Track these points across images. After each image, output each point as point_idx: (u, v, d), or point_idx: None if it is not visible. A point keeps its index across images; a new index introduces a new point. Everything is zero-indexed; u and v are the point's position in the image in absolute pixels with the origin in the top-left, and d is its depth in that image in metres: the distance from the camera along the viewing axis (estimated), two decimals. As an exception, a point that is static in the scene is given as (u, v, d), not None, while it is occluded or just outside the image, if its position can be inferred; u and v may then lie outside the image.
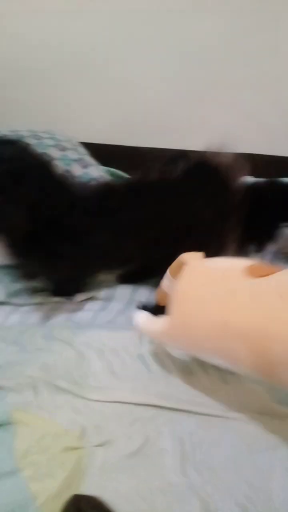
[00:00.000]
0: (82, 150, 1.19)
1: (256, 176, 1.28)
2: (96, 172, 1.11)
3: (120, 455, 0.61)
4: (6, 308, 0.87)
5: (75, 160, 1.10)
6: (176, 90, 1.36)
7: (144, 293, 0.91)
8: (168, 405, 0.66)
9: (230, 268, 0.57)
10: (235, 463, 0.59)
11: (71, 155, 1.10)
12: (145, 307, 0.72)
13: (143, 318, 0.68)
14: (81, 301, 0.89)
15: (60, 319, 0.85)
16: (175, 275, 0.61)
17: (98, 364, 0.73)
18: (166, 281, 0.64)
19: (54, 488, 0.56)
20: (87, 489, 0.57)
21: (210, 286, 0.57)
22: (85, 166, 1.10)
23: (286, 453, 0.60)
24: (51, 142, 1.10)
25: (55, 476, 0.58)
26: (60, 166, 1.05)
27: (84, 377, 0.71)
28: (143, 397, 0.68)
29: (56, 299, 0.88)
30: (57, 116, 1.40)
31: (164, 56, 1.31)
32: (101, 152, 1.31)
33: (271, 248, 1.01)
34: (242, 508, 0.54)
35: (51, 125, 1.34)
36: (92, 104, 1.41)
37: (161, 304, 0.64)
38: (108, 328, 0.82)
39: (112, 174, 1.34)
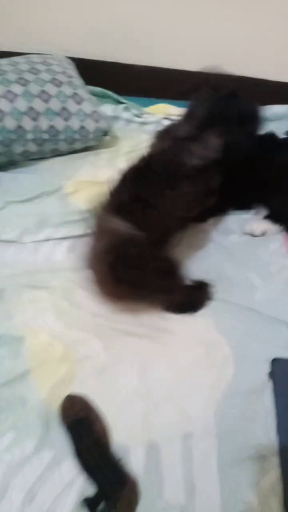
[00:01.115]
0: (77, 81, 1.22)
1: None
2: (89, 108, 1.17)
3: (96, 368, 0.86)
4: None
5: (70, 96, 1.15)
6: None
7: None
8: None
9: None
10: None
11: (66, 90, 1.16)
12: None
13: None
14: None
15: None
16: None
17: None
18: None
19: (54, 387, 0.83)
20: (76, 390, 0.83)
21: None
22: (79, 102, 1.16)
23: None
24: (48, 77, 1.15)
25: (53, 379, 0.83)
26: (57, 103, 1.13)
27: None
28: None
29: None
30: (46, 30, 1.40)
31: None
32: (89, 68, 1.34)
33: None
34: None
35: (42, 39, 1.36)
36: (83, 16, 1.39)
37: None
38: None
39: (103, 96, 1.39)
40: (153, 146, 0.97)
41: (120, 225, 0.83)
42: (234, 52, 1.36)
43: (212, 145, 0.89)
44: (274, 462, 0.75)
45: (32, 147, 1.16)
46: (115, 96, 1.40)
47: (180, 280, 0.92)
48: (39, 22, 1.39)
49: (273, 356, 0.86)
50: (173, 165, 0.89)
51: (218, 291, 0.97)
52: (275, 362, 0.85)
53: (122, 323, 0.92)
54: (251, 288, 0.99)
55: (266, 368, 0.85)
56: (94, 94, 1.38)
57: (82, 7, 1.34)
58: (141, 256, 0.82)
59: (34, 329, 0.90)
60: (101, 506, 0.71)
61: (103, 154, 1.26)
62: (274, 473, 0.74)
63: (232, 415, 0.79)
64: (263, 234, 1.10)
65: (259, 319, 0.93)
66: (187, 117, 0.94)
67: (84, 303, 0.94)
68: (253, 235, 1.10)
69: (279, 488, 0.72)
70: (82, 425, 0.78)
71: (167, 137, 0.95)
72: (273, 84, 1.43)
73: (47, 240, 1.06)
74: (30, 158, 1.20)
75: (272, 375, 0.84)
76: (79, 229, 1.06)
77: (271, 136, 1.18)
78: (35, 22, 1.39)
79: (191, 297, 0.94)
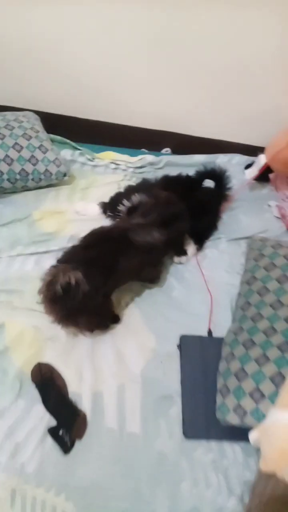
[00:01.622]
0: (42, 134, 1.59)
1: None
2: (52, 156, 1.54)
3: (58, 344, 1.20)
4: None
5: (37, 147, 1.52)
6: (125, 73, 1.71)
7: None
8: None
9: None
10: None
11: (34, 143, 1.52)
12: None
13: None
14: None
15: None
16: None
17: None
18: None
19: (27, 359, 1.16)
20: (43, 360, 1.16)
21: None
22: (44, 151, 1.53)
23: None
24: (20, 132, 1.51)
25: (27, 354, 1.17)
26: (27, 152, 1.49)
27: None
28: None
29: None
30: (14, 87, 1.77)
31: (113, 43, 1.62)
32: (49, 120, 1.70)
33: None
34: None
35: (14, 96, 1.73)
36: (52, 78, 1.76)
37: None
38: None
39: (63, 143, 1.76)
40: (116, 223, 1.31)
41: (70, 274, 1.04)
42: (175, 114, 1.76)
43: (153, 234, 1.22)
44: (178, 400, 1.11)
45: (7, 184, 1.50)
46: (73, 143, 1.77)
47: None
48: (12, 76, 1.75)
49: (181, 334, 1.24)
50: (127, 240, 1.17)
51: (145, 291, 1.34)
52: (182, 337, 1.23)
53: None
54: (170, 287, 1.37)
55: (176, 341, 1.23)
56: (56, 141, 1.74)
57: (51, 71, 1.71)
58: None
59: (11, 319, 1.23)
60: (61, 432, 1.04)
61: (63, 190, 1.61)
62: (177, 406, 1.10)
63: (152, 370, 1.16)
64: (187, 259, 1.44)
65: (173, 309, 1.31)
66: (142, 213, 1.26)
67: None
68: (181, 263, 1.44)
69: (179, 416, 1.09)
70: (47, 383, 1.12)
71: (127, 220, 1.27)
72: (199, 139, 1.83)
73: (19, 255, 1.40)
74: (4, 192, 1.55)
75: (180, 346, 1.21)
76: (44, 247, 1.42)
77: (188, 178, 1.56)
78: (8, 76, 1.74)
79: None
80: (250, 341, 1.10)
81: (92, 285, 1.05)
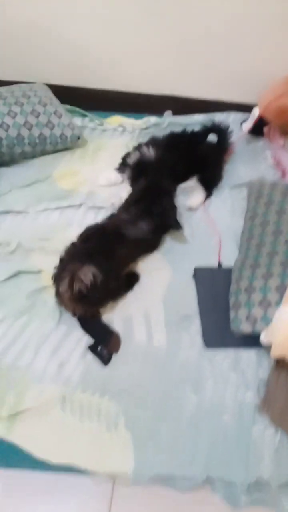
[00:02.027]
0: (55, 101, 1.74)
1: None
2: (66, 120, 1.69)
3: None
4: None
5: (53, 113, 1.67)
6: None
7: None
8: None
9: None
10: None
11: (50, 108, 1.67)
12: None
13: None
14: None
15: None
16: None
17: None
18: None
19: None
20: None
21: None
22: (59, 116, 1.67)
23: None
24: (35, 99, 1.65)
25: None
26: (44, 117, 1.64)
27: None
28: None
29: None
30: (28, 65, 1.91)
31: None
32: (59, 92, 1.83)
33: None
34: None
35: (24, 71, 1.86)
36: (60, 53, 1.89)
37: None
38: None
39: (73, 112, 1.90)
40: (109, 219, 1.36)
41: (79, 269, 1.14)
42: (173, 78, 1.90)
43: (141, 229, 1.32)
44: (197, 318, 1.29)
45: (27, 149, 1.65)
46: (82, 111, 1.91)
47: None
48: (22, 54, 1.88)
49: (195, 266, 1.41)
50: (121, 234, 1.28)
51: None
52: (196, 269, 1.40)
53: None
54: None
55: (191, 273, 1.40)
56: (66, 109, 1.88)
57: (59, 44, 1.84)
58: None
59: (45, 263, 1.39)
60: (99, 348, 1.22)
61: (77, 153, 1.76)
62: (197, 324, 1.28)
63: (171, 296, 1.33)
64: (197, 206, 1.61)
65: (186, 246, 1.47)
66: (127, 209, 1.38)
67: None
68: (191, 209, 1.60)
69: (199, 331, 1.26)
70: (83, 312, 1.29)
71: (117, 217, 1.36)
72: (197, 101, 1.98)
73: (45, 210, 1.56)
74: (26, 157, 1.69)
75: (195, 276, 1.39)
76: (66, 202, 1.57)
77: (193, 133, 1.71)
78: (19, 54, 1.87)
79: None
80: (255, 263, 1.28)
81: (103, 272, 1.15)
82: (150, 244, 1.43)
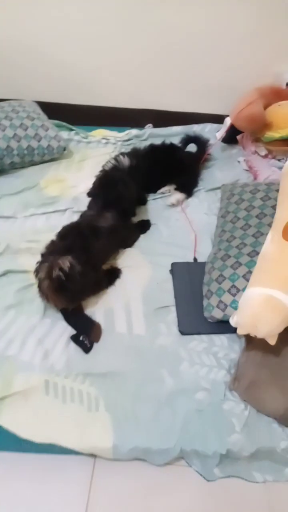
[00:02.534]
0: (42, 116, 1.87)
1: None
2: (53, 133, 1.82)
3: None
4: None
5: (40, 126, 1.79)
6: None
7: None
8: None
9: None
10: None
11: (37, 122, 1.79)
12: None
13: None
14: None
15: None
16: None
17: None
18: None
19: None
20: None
21: None
22: (46, 129, 1.80)
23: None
24: (24, 114, 1.79)
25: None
26: (32, 131, 1.77)
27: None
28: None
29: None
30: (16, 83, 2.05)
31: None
32: (47, 108, 1.97)
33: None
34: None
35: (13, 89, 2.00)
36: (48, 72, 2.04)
37: None
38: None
39: (60, 126, 2.03)
40: (81, 217, 1.51)
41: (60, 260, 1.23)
42: (152, 93, 2.05)
43: (108, 218, 1.44)
44: (174, 310, 1.38)
45: (16, 159, 1.77)
46: (68, 125, 2.05)
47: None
48: (12, 73, 2.02)
49: (172, 262, 1.51)
50: (93, 227, 1.40)
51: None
52: (173, 264, 1.50)
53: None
54: (160, 229, 1.64)
55: (168, 269, 1.49)
56: (53, 124, 2.01)
57: (46, 64, 1.99)
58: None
59: (31, 263, 1.48)
60: (81, 337, 1.30)
61: (63, 163, 1.89)
62: (173, 314, 1.37)
63: (150, 290, 1.42)
64: (178, 202, 1.73)
65: (164, 245, 1.57)
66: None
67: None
68: (173, 205, 1.73)
69: (176, 321, 1.35)
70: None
71: (87, 214, 1.52)
72: (176, 113, 2.12)
73: (32, 215, 1.66)
74: (14, 167, 1.81)
75: (172, 270, 1.48)
76: (52, 208, 1.68)
77: (171, 144, 1.85)
78: (8, 73, 2.02)
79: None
80: (226, 255, 1.38)
81: (81, 264, 1.24)
82: (122, 235, 1.53)
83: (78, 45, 1.91)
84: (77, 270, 1.23)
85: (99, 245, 1.37)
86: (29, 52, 1.95)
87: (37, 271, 1.30)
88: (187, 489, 1.14)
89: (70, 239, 1.35)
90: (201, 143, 1.85)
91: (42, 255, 1.33)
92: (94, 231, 1.39)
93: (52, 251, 1.31)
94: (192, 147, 1.87)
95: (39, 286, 1.30)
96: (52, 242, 1.36)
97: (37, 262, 1.32)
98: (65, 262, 1.22)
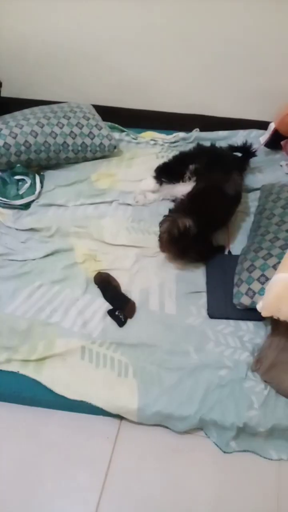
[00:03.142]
0: (97, 117, 2.04)
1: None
2: (105, 132, 1.98)
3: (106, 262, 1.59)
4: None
5: (94, 125, 1.97)
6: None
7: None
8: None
9: None
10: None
11: (92, 122, 1.97)
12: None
13: None
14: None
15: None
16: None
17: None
18: None
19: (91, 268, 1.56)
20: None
21: None
22: (100, 128, 1.97)
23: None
24: (81, 114, 1.97)
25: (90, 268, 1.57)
26: (86, 129, 1.94)
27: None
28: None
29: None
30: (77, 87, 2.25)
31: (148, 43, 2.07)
32: (103, 111, 2.13)
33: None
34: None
35: (74, 93, 2.20)
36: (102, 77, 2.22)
37: None
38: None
39: (113, 128, 2.19)
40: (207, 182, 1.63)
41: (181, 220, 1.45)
42: (200, 99, 2.17)
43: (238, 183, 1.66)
44: (205, 295, 1.47)
45: (71, 155, 1.94)
46: (120, 127, 2.21)
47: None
48: (71, 78, 2.22)
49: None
50: (221, 194, 1.58)
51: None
52: (208, 254, 1.59)
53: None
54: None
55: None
56: (106, 125, 2.18)
57: (102, 70, 2.16)
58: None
59: (78, 245, 1.64)
60: (117, 312, 1.42)
61: (113, 160, 2.04)
62: (204, 299, 1.46)
63: (186, 272, 1.53)
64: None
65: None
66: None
67: (106, 233, 1.68)
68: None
69: (206, 305, 1.44)
70: (105, 283, 1.51)
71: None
72: (222, 119, 2.22)
73: (82, 204, 1.82)
74: (69, 162, 1.99)
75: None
76: (100, 199, 1.83)
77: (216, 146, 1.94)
78: (68, 78, 2.22)
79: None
80: (259, 247, 1.45)
81: (199, 228, 1.44)
82: (239, 200, 1.68)
83: (134, 52, 2.06)
84: (192, 232, 1.42)
85: (222, 210, 1.56)
86: (89, 59, 2.12)
87: (161, 224, 1.50)
88: (204, 458, 1.21)
89: (197, 204, 1.52)
90: (247, 152, 1.91)
91: (170, 211, 1.55)
92: (222, 198, 1.56)
93: (179, 209, 1.52)
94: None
95: (160, 237, 1.51)
96: (181, 201, 1.56)
97: (164, 216, 1.54)
98: (184, 223, 1.39)
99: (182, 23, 1.92)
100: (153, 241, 1.63)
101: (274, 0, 1.77)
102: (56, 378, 1.27)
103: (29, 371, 1.29)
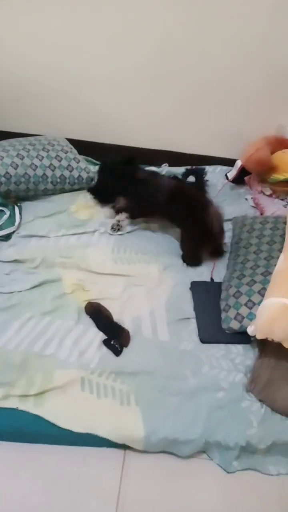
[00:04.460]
0: (74, 150, 2.10)
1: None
2: (83, 165, 2.04)
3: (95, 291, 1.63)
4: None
5: (72, 159, 2.02)
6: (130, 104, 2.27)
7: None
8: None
9: None
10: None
11: (70, 155, 2.02)
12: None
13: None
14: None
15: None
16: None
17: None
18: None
19: (80, 299, 1.58)
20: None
21: None
22: (77, 162, 2.03)
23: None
24: (59, 147, 2.01)
25: (81, 298, 1.59)
26: (65, 162, 1.98)
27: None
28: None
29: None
30: (51, 121, 2.30)
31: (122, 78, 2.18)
32: (76, 145, 2.20)
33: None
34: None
35: (47, 126, 2.24)
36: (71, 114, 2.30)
37: None
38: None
39: (88, 161, 2.26)
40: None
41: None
42: (169, 136, 2.32)
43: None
44: (194, 321, 1.54)
45: (50, 186, 1.97)
46: (93, 160, 2.28)
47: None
48: (45, 112, 2.27)
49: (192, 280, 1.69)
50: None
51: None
52: (192, 282, 1.68)
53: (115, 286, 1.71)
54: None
55: (188, 286, 1.67)
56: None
57: (76, 106, 2.23)
58: None
59: (65, 275, 1.65)
60: (112, 341, 1.44)
61: (89, 192, 2.10)
62: (194, 325, 1.53)
63: (173, 300, 1.60)
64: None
65: (184, 269, 1.76)
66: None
67: (92, 263, 1.71)
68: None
69: (196, 330, 1.51)
70: (97, 312, 1.54)
71: None
72: (190, 155, 2.38)
73: (63, 235, 1.84)
74: (47, 194, 2.01)
75: (192, 288, 1.66)
76: (81, 229, 1.87)
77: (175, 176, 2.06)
78: (42, 112, 2.27)
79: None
80: (241, 275, 1.57)
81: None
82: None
83: (106, 90, 2.17)
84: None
85: None
86: (62, 94, 2.20)
87: None
88: (209, 480, 1.25)
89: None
90: (199, 175, 2.04)
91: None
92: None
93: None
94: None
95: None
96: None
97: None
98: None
99: (155, 64, 2.06)
100: (139, 270, 1.70)
101: (242, 48, 1.97)
102: (59, 412, 1.26)
103: (29, 406, 1.26)
